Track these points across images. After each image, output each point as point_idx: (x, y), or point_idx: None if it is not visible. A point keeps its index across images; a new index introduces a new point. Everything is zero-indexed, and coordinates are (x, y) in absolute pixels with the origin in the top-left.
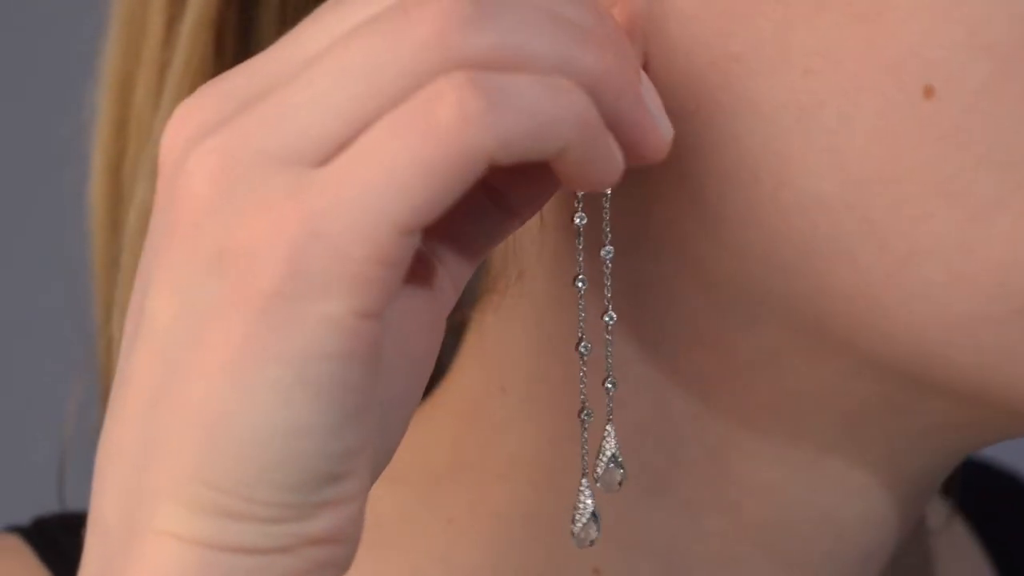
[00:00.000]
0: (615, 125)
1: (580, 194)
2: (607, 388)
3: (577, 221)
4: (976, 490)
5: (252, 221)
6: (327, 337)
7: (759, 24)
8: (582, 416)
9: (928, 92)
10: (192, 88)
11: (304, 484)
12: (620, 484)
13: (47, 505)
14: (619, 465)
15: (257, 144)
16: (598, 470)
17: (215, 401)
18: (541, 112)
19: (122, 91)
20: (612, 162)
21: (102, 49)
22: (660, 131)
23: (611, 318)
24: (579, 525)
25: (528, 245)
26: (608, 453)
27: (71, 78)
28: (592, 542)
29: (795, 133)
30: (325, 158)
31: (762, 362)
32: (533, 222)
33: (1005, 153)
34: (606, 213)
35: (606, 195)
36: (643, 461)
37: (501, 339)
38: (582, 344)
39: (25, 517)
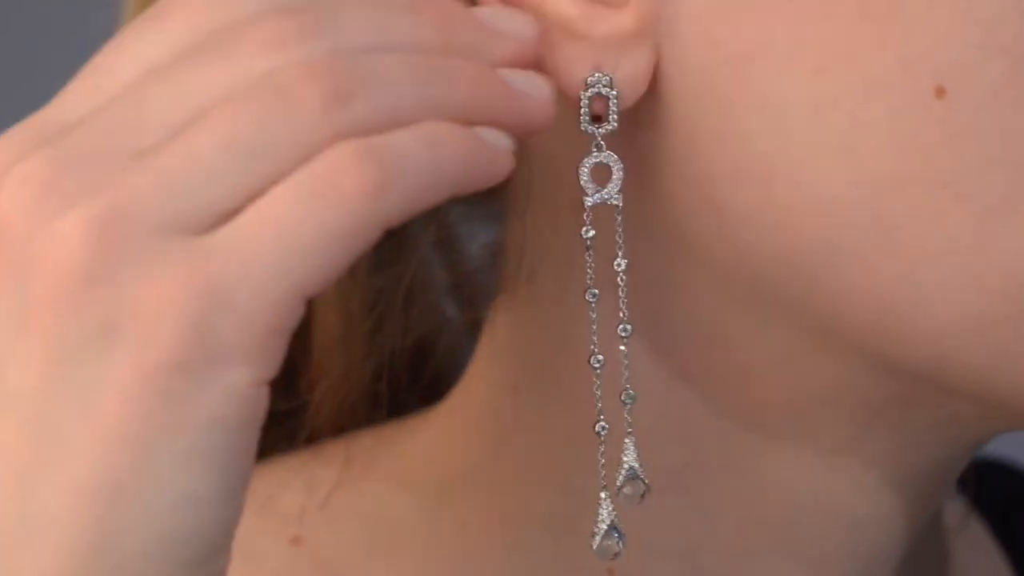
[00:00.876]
0: (495, 124)
1: (589, 206)
2: (623, 401)
3: (584, 234)
4: (992, 489)
5: (145, 290)
6: (228, 407)
7: (771, 22)
8: (597, 429)
9: (940, 92)
10: None
11: (199, 555)
12: (643, 497)
13: None
14: (639, 478)
15: (140, 213)
16: (618, 483)
17: (110, 473)
18: (430, 167)
19: None
20: (498, 160)
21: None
22: (535, 103)
23: (626, 330)
24: (598, 539)
25: (540, 249)
26: (627, 467)
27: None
28: (616, 555)
29: (807, 132)
30: (211, 226)
31: (775, 362)
32: (546, 226)
33: (1018, 153)
34: (618, 225)
35: (618, 207)
36: (657, 461)
37: (514, 339)
38: (593, 358)
39: None
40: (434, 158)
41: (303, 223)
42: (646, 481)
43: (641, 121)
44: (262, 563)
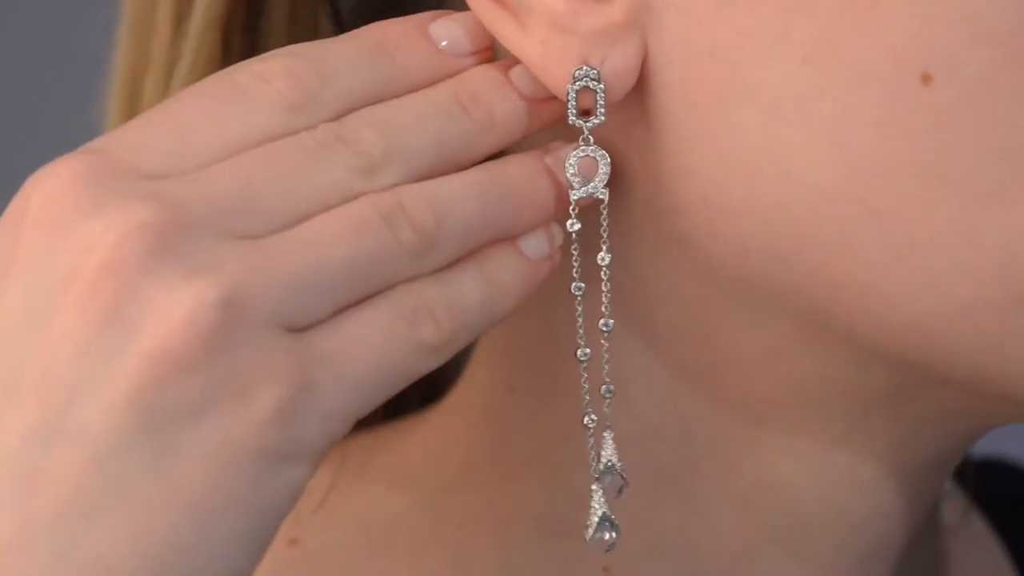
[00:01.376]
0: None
1: (575, 199)
2: (604, 395)
3: (570, 227)
4: (994, 488)
5: (247, 376)
6: (287, 496)
7: (757, 13)
8: (585, 422)
9: (927, 80)
10: None
11: None
12: (620, 492)
13: None
14: (616, 472)
15: (259, 303)
16: (595, 475)
17: (170, 536)
18: (489, 308)
19: (131, 90)
20: (543, 270)
21: (112, 48)
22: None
23: (607, 325)
24: (591, 530)
25: None
26: (604, 461)
27: (82, 77)
28: (610, 547)
29: (795, 122)
30: (310, 326)
31: (767, 355)
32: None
33: (1004, 140)
34: (604, 219)
35: (603, 201)
36: (652, 458)
37: (509, 339)
38: (580, 351)
39: None
40: (491, 297)
41: (389, 354)
42: (624, 475)
43: (630, 115)
44: (259, 564)
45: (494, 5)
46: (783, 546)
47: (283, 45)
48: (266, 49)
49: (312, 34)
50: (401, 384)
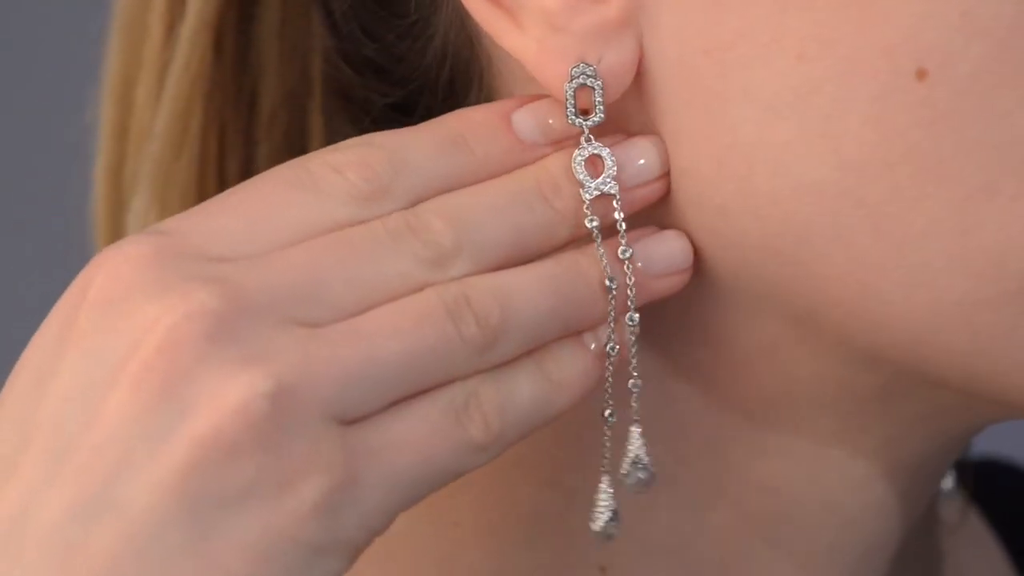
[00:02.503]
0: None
1: (588, 199)
2: (631, 390)
3: (589, 223)
4: (993, 488)
5: (294, 466)
6: None
7: (752, 10)
8: (605, 415)
9: (921, 75)
10: (191, 91)
11: None
12: (647, 485)
13: None
14: (643, 467)
15: (313, 394)
16: (623, 471)
17: None
18: (543, 408)
19: (123, 94)
20: (597, 369)
21: (104, 52)
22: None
23: (632, 320)
24: (599, 523)
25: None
26: (631, 455)
27: (75, 81)
28: (611, 538)
29: (790, 120)
30: (360, 419)
31: (761, 354)
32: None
33: (999, 135)
34: (618, 213)
35: (615, 196)
36: (650, 457)
37: None
38: (609, 346)
39: None
40: (547, 395)
41: (436, 452)
42: (652, 470)
43: (628, 113)
44: None
45: (489, 4)
46: (776, 544)
47: (275, 48)
48: (258, 52)
49: (305, 36)
50: (446, 481)
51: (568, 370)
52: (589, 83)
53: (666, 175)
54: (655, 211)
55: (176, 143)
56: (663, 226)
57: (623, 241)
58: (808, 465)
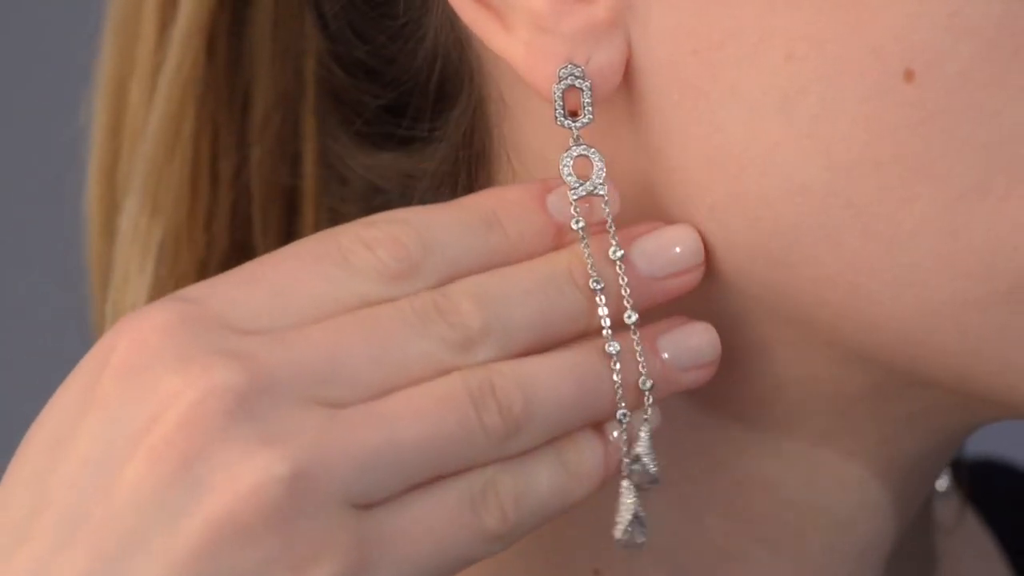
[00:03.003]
0: None
1: (575, 199)
2: (642, 388)
3: (575, 225)
4: (990, 489)
5: (308, 549)
6: None
7: (741, 10)
8: (619, 416)
9: (909, 75)
10: (183, 93)
11: None
12: (654, 483)
13: None
14: (642, 467)
15: (330, 479)
16: (623, 470)
17: None
18: (559, 500)
19: (115, 96)
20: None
21: (97, 53)
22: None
23: (630, 317)
24: (620, 528)
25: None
26: (634, 452)
27: (70, 82)
28: (640, 545)
29: (778, 120)
30: (375, 503)
31: (752, 355)
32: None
33: (988, 135)
34: (608, 215)
35: (604, 197)
36: None
37: None
38: (609, 344)
39: None
40: (565, 485)
41: (451, 540)
42: (656, 471)
43: (617, 115)
44: None
45: (477, 6)
46: (770, 545)
47: (268, 50)
48: (251, 54)
49: (297, 38)
50: (459, 569)
51: (588, 461)
52: (577, 84)
53: (703, 264)
54: (642, 209)
55: (169, 145)
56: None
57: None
58: (801, 466)
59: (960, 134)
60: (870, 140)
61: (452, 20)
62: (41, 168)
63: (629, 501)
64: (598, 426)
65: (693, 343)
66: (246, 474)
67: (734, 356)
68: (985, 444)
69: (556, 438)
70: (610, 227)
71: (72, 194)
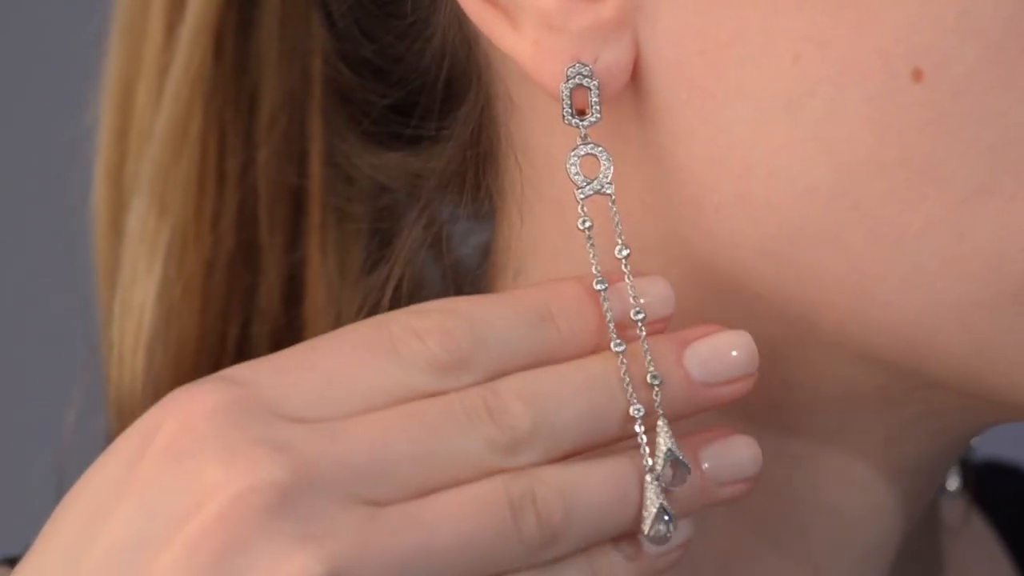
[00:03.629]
0: None
1: (582, 198)
2: (651, 383)
3: (582, 225)
4: (996, 490)
5: None
6: None
7: (747, 11)
8: (631, 412)
9: (917, 76)
10: (191, 93)
11: None
12: (685, 480)
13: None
14: (679, 461)
15: None
16: (657, 467)
17: None
18: None
19: (123, 96)
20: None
21: (104, 53)
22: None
23: (639, 313)
24: (648, 522)
25: (527, 246)
26: (663, 448)
27: (75, 82)
28: (668, 539)
29: (785, 121)
30: None
31: (760, 355)
32: (532, 222)
33: (994, 136)
34: (614, 214)
35: (611, 196)
36: None
37: None
38: (614, 342)
39: (22, 526)
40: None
41: None
42: (688, 462)
43: (625, 114)
44: None
45: (485, 5)
46: (777, 546)
47: (275, 49)
48: (258, 54)
49: (304, 38)
50: None
51: (620, 573)
52: (585, 83)
53: (756, 372)
54: (648, 209)
55: (176, 145)
56: (658, 227)
57: (620, 241)
58: (807, 466)
59: (966, 135)
60: (876, 142)
61: (460, 19)
62: (46, 169)
63: (652, 496)
64: (633, 537)
65: (735, 458)
66: (283, 572)
67: None
68: (991, 446)
69: (589, 547)
70: (617, 227)
71: (76, 194)
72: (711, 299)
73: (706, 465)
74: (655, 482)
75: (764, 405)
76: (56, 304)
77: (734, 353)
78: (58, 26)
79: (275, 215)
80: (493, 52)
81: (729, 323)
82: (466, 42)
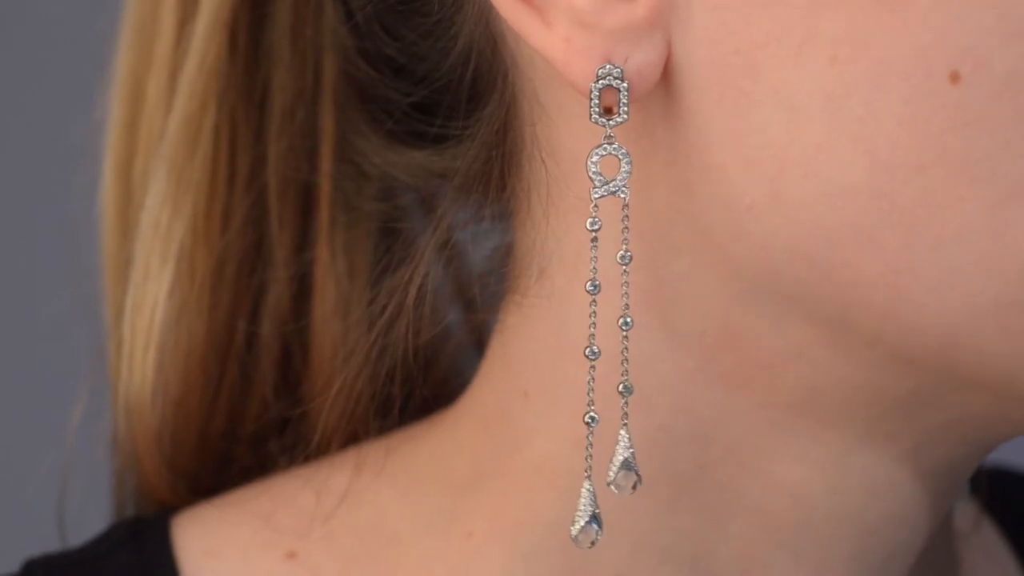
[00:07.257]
0: None
1: (595, 198)
2: (621, 392)
3: (590, 227)
4: (1006, 496)
5: None
6: None
7: (784, 11)
8: (586, 420)
9: (955, 78)
10: (205, 89)
11: None
12: (634, 488)
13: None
14: (632, 470)
15: None
16: (610, 474)
17: None
18: None
19: (133, 93)
20: None
21: (114, 50)
22: None
23: (627, 323)
24: (578, 527)
25: (550, 246)
26: (620, 458)
27: (83, 80)
28: (593, 543)
29: (821, 122)
30: None
31: (788, 358)
32: (557, 222)
33: None
34: (624, 219)
35: (624, 200)
36: (667, 463)
37: (523, 343)
38: (588, 349)
39: (22, 528)
40: None
41: None
42: (639, 472)
43: (653, 113)
44: None
45: (518, 3)
46: (795, 552)
47: (288, 46)
48: (271, 50)
49: (317, 34)
50: None
51: None
52: (615, 84)
53: None
54: (677, 210)
55: (190, 142)
56: (687, 228)
57: (624, 246)
58: (830, 472)
59: (1004, 136)
60: (914, 143)
61: (486, 17)
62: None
63: (586, 505)
64: None
65: None
66: None
67: (768, 359)
68: (1001, 453)
69: None
70: (624, 231)
71: (79, 192)
72: (740, 301)
73: None
74: (591, 490)
75: (791, 410)
76: (58, 305)
77: None
78: (68, 22)
79: (285, 213)
80: (519, 51)
81: (759, 326)
82: (491, 41)
